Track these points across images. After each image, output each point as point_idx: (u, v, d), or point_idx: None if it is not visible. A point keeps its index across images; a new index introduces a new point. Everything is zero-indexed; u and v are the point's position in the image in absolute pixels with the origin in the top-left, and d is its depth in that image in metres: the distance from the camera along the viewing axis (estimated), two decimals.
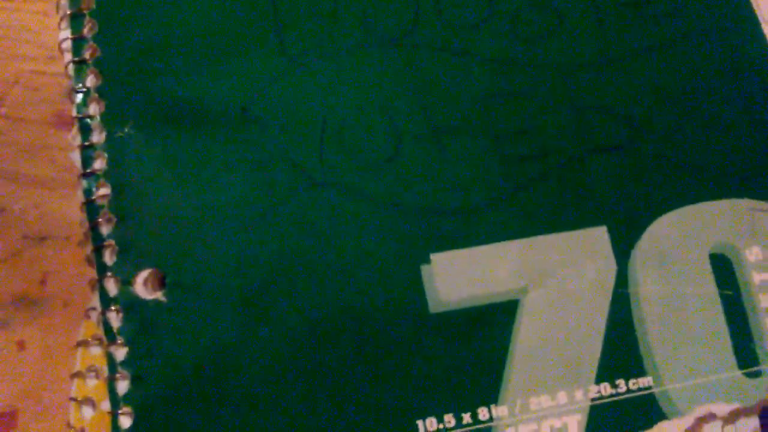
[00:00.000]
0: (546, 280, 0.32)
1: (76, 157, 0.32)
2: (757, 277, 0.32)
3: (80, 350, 0.31)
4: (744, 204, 0.33)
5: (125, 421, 0.29)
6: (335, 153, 0.33)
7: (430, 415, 0.30)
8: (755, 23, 0.36)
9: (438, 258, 0.31)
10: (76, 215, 0.32)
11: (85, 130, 0.32)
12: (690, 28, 0.35)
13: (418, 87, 0.34)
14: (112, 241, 0.31)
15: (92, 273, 0.31)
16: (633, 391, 0.31)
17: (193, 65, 0.33)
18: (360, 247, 0.31)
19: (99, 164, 0.32)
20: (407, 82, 0.34)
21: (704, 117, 0.34)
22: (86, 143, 0.32)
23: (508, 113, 0.34)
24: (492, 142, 0.33)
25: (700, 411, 0.30)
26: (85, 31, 0.33)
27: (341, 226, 0.32)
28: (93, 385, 0.30)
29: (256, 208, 0.32)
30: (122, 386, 0.30)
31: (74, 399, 0.30)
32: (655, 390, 0.31)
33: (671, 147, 0.34)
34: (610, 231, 0.32)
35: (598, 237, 0.32)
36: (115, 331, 0.30)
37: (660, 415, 0.30)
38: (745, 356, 0.31)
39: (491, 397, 0.30)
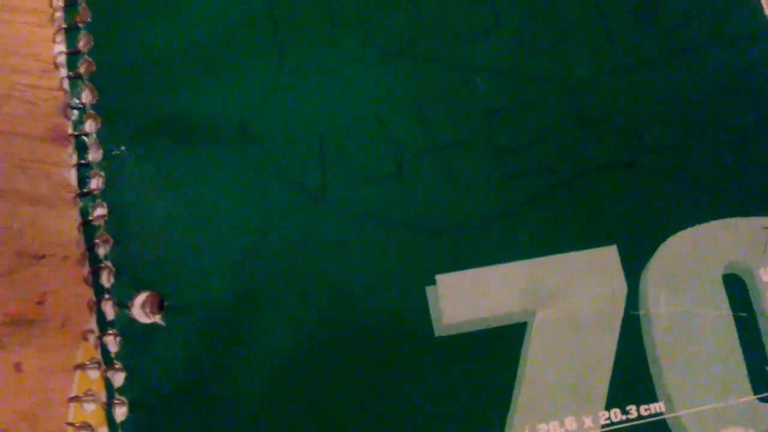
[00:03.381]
0: (554, 302, 0.31)
1: (72, 175, 0.32)
2: None
3: (78, 374, 0.30)
4: (757, 222, 0.32)
5: None
6: (336, 169, 0.32)
7: None
8: (767, 31, 0.35)
9: (443, 279, 0.31)
10: (74, 233, 0.32)
11: (81, 148, 0.32)
12: (699, 40, 0.35)
13: (420, 100, 0.33)
14: (109, 263, 0.30)
15: (90, 293, 0.31)
16: (644, 417, 0.30)
17: (190, 81, 0.32)
18: (362, 266, 0.31)
19: (95, 183, 0.31)
20: (409, 96, 0.33)
21: (715, 132, 0.33)
22: (82, 161, 0.32)
23: (512, 128, 0.33)
24: (496, 157, 0.32)
25: None
26: (81, 45, 0.33)
27: (342, 244, 0.31)
28: (91, 410, 0.30)
29: (255, 227, 0.31)
30: (120, 412, 0.29)
31: (71, 424, 0.30)
32: (667, 416, 0.30)
33: (682, 163, 0.33)
34: (620, 250, 0.32)
35: (608, 256, 0.32)
36: (112, 355, 0.30)
37: None
38: (760, 381, 0.31)
39: (499, 423, 0.30)
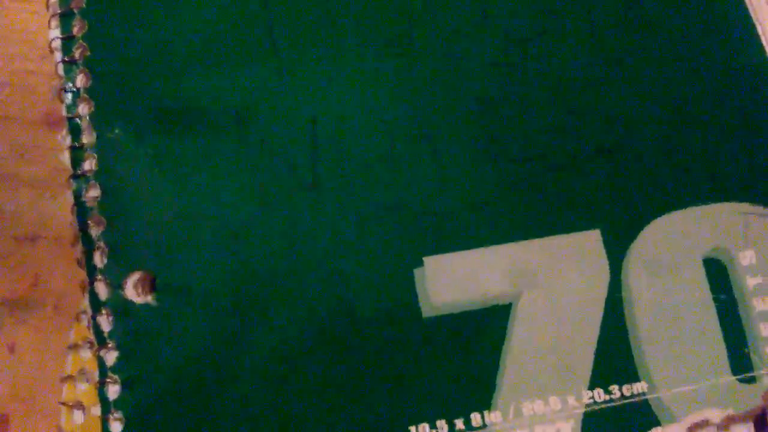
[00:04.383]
0: (539, 284, 0.31)
1: (65, 157, 0.32)
2: (750, 282, 0.32)
3: (71, 354, 0.31)
4: (737, 207, 0.33)
5: (116, 426, 0.29)
6: (328, 156, 0.32)
7: (423, 421, 0.30)
8: (750, 25, 0.36)
9: (431, 261, 0.31)
10: (67, 216, 0.32)
11: (75, 131, 0.32)
12: (683, 31, 0.35)
13: (411, 90, 0.34)
14: (102, 244, 0.31)
15: (83, 275, 0.31)
16: (627, 397, 0.30)
17: (185, 67, 0.33)
18: (352, 250, 0.31)
19: (89, 165, 0.32)
20: (401, 85, 0.34)
21: (697, 120, 0.34)
22: (76, 144, 0.32)
23: (501, 116, 0.33)
24: (485, 145, 0.33)
25: (695, 417, 0.30)
26: (75, 30, 0.33)
27: (333, 228, 0.32)
28: (84, 389, 0.30)
29: (248, 210, 0.31)
30: (113, 391, 0.30)
31: (65, 403, 0.30)
32: (649, 396, 0.30)
33: (664, 150, 0.33)
34: (603, 234, 0.32)
35: (592, 240, 0.32)
36: (105, 334, 0.30)
37: (654, 422, 0.30)
38: (740, 362, 0.31)
39: (484, 402, 0.30)
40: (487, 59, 0.34)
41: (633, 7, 0.35)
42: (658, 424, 0.30)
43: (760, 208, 0.33)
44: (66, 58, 0.33)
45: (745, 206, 0.33)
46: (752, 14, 0.36)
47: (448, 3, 0.35)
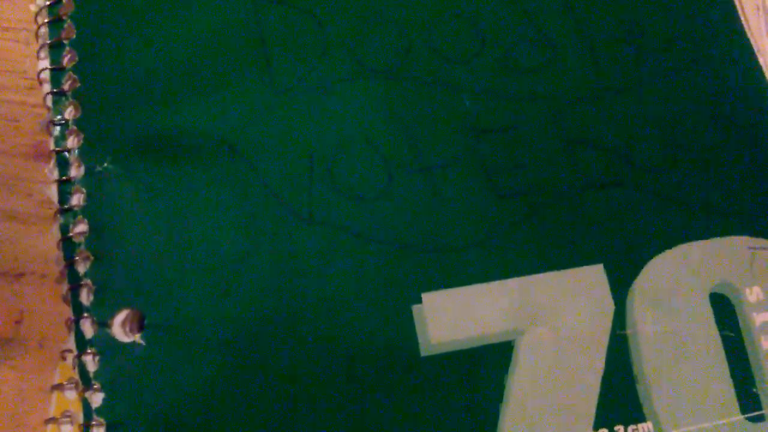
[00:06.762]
0: (541, 321, 0.31)
1: (53, 191, 0.31)
2: (758, 319, 0.31)
3: (55, 394, 0.30)
4: (743, 242, 0.32)
5: None
6: (323, 189, 0.32)
7: None
8: (751, 54, 0.35)
9: (429, 298, 0.30)
10: (53, 251, 0.31)
11: (63, 164, 0.31)
12: (684, 61, 0.35)
13: (409, 121, 0.33)
14: (89, 281, 0.30)
15: (69, 312, 0.30)
16: None
17: (176, 98, 0.32)
18: (348, 286, 0.30)
19: (76, 200, 0.31)
20: (398, 116, 0.33)
21: (701, 152, 0.33)
22: (63, 178, 0.31)
23: (500, 148, 0.33)
24: (484, 177, 0.32)
25: None
26: (65, 61, 0.33)
27: (329, 264, 0.31)
28: None
29: (241, 246, 0.31)
30: None
31: None
32: None
33: (668, 183, 0.33)
34: (606, 269, 0.31)
35: (595, 275, 0.31)
36: (91, 375, 0.29)
37: None
38: (748, 400, 0.30)
39: None
40: (485, 88, 0.34)
41: (634, 40, 0.35)
42: None
43: (765, 242, 0.32)
44: (55, 90, 0.32)
45: (751, 240, 0.32)
46: (754, 45, 0.35)
47: (444, 33, 0.34)
